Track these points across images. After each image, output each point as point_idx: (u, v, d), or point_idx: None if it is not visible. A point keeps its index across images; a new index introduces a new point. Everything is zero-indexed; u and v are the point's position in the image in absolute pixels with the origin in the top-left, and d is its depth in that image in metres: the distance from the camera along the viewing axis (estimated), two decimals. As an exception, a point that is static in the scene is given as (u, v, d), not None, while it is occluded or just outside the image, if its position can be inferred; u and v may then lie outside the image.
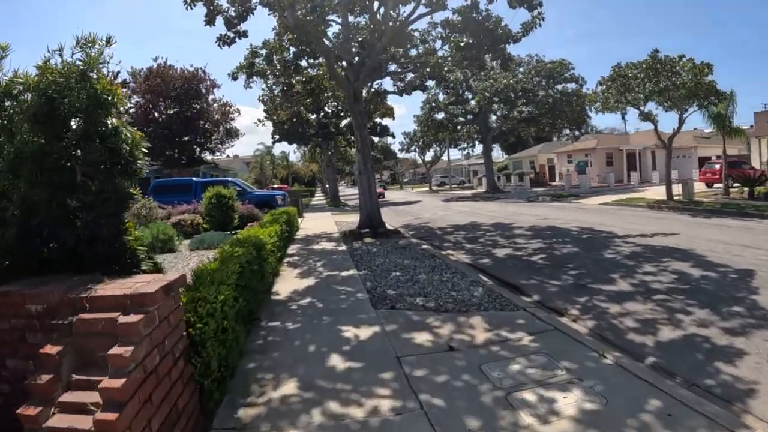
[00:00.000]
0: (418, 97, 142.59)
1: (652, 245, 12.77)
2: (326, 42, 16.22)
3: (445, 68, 21.63)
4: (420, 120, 50.53)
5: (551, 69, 43.00)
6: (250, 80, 17.62)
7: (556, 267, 10.79)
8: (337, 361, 5.37)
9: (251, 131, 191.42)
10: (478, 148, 58.89)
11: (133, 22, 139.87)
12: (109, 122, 4.18)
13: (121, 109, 4.32)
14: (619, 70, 25.16)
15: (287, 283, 9.49)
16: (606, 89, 26.38)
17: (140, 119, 35.87)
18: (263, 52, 16.47)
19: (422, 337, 6.05)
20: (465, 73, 36.23)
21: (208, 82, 37.85)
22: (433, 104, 48.04)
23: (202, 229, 19.15)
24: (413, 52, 20.43)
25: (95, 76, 4.11)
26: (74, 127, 4.10)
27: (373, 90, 20.68)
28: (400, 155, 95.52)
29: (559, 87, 43.24)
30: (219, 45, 15.55)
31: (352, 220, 24.41)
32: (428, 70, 20.99)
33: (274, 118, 30.68)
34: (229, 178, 26.93)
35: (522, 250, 13.25)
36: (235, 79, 17.41)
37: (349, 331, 6.38)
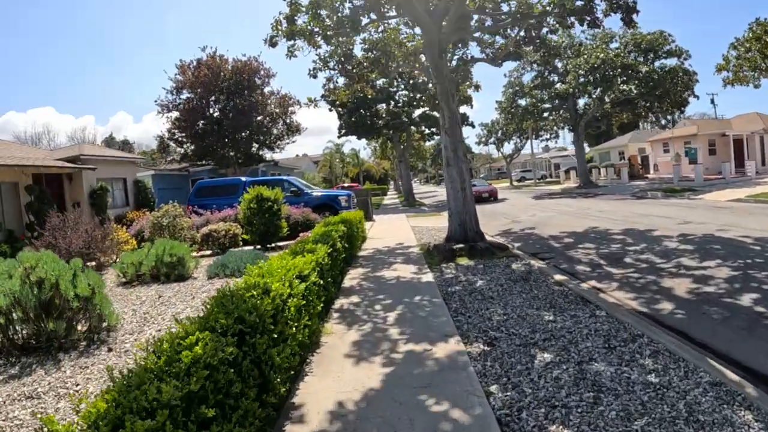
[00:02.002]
0: (492, 91, 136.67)
1: None
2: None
3: (545, 28, 16.60)
4: (502, 107, 45.02)
5: (651, 41, 36.76)
6: (293, 45, 13.08)
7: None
8: None
9: (323, 131, 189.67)
10: (560, 140, 53.09)
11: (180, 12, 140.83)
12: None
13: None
14: (765, 26, 19.13)
15: (325, 379, 4.82)
16: (744, 51, 20.31)
17: (189, 115, 32.35)
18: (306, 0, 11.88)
19: None
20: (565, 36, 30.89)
21: (263, 72, 33.95)
22: (517, 88, 42.55)
23: (241, 241, 14.91)
24: (505, 7, 15.46)
25: None
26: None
27: (456, 56, 15.71)
28: (476, 149, 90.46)
29: (657, 63, 37.06)
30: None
31: (433, 224, 19.66)
32: (522, 33, 16.01)
33: (336, 102, 26.53)
34: (285, 177, 22.73)
35: (710, 283, 8.14)
36: (273, 45, 12.96)
37: None
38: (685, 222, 15.91)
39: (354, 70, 15.15)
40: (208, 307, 3.98)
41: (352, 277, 9.59)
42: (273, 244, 14.78)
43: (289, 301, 4.56)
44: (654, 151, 54.28)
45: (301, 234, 14.79)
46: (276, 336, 4.01)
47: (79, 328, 6.75)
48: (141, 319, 7.48)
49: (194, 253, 14.99)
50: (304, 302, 5.03)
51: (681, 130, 48.19)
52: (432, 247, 11.73)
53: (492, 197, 33.95)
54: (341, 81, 15.86)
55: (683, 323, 6.32)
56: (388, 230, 18.61)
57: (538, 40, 17.38)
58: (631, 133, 64.59)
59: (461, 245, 10.99)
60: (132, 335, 6.77)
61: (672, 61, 37.09)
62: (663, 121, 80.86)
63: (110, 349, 6.27)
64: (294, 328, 4.54)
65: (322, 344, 5.75)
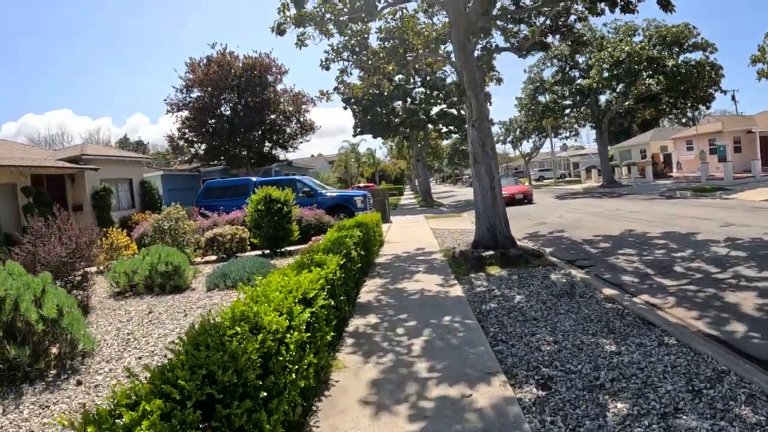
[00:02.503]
0: (510, 89, 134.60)
1: None
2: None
3: (573, 15, 15.42)
4: (522, 103, 43.58)
5: (676, 33, 35.14)
6: (303, 33, 11.96)
7: None
8: None
9: (339, 131, 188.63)
10: (581, 138, 51.62)
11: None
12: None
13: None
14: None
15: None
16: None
17: (199, 114, 31.42)
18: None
19: None
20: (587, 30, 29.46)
21: (275, 69, 32.90)
22: (537, 84, 41.21)
23: (249, 245, 13.88)
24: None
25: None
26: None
27: (480, 45, 14.48)
28: (501, 147, 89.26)
29: (682, 57, 35.50)
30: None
31: (455, 226, 18.54)
32: (548, 22, 14.84)
33: (351, 99, 25.42)
34: (298, 176, 21.65)
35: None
36: (281, 32, 11.84)
37: None
38: (727, 224, 14.67)
39: (369, 62, 14.01)
40: (177, 349, 2.88)
41: (369, 290, 8.46)
42: (283, 249, 13.71)
43: (288, 336, 3.45)
44: (677, 149, 52.75)
45: (312, 238, 13.70)
46: (266, 394, 2.89)
47: (54, 351, 5.74)
48: (123, 342, 6.42)
49: (198, 259, 14.00)
50: (309, 334, 3.91)
51: (705, 127, 46.95)
52: (458, 254, 10.52)
53: (526, 199, 29.71)
54: (356, 74, 14.73)
55: (764, 350, 5.15)
56: (407, 233, 17.47)
57: (564, 29, 16.19)
58: (653, 130, 63.27)
59: (491, 252, 9.79)
60: (109, 363, 5.73)
61: (696, 55, 35.57)
62: (684, 119, 78.78)
63: (79, 383, 5.23)
64: (294, 374, 3.42)
65: (332, 384, 4.62)
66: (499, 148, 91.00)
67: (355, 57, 14.02)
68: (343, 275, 6.15)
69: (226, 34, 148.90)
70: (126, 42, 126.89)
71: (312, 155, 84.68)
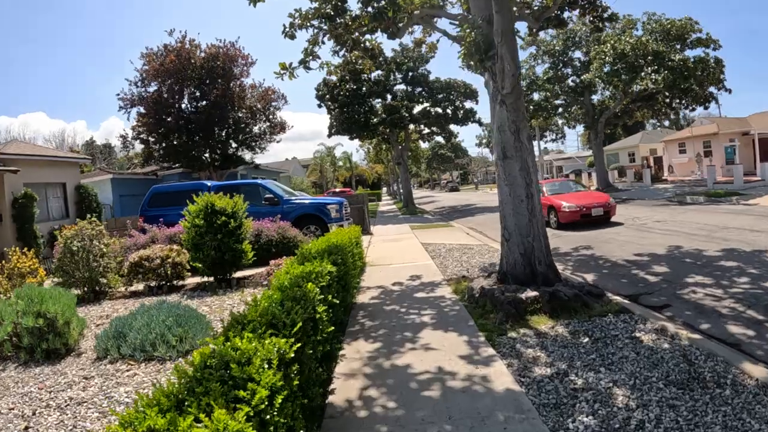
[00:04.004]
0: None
1: None
2: None
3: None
4: (511, 102, 40.53)
5: (680, 27, 32.57)
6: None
7: None
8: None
9: (317, 135, 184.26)
10: (566, 141, 49.00)
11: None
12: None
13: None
14: None
15: None
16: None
17: (153, 109, 27.70)
18: None
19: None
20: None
21: (241, 60, 29.26)
22: (530, 81, 38.25)
23: (188, 271, 10.50)
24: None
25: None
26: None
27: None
28: (478, 150, 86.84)
29: (685, 53, 33.02)
30: None
31: (449, 239, 15.37)
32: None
33: (325, 95, 22.03)
34: (259, 181, 18.14)
35: None
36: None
37: None
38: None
39: (349, 30, 10.64)
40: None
41: (348, 372, 5.03)
42: (232, 276, 10.28)
43: None
44: (668, 151, 50.57)
45: (272, 262, 10.28)
46: None
47: None
48: None
49: (122, 289, 10.52)
50: None
51: (700, 129, 45.16)
52: (477, 291, 7.12)
53: (607, 215, 17.17)
54: (329, 48, 11.26)
55: None
56: (394, 250, 14.10)
57: (585, 2, 13.17)
58: (641, 133, 61.77)
59: (533, 293, 6.42)
60: None
61: (697, 52, 33.08)
62: (667, 122, 77.15)
63: None
64: None
65: None
66: (476, 151, 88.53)
67: (329, 24, 10.64)
68: (297, 381, 2.81)
69: (200, 27, 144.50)
70: (101, 44, 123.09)
71: (286, 159, 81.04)
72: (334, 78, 35.16)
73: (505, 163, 6.97)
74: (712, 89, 33.77)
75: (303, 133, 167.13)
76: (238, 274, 10.55)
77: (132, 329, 6.03)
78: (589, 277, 9.33)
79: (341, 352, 5.50)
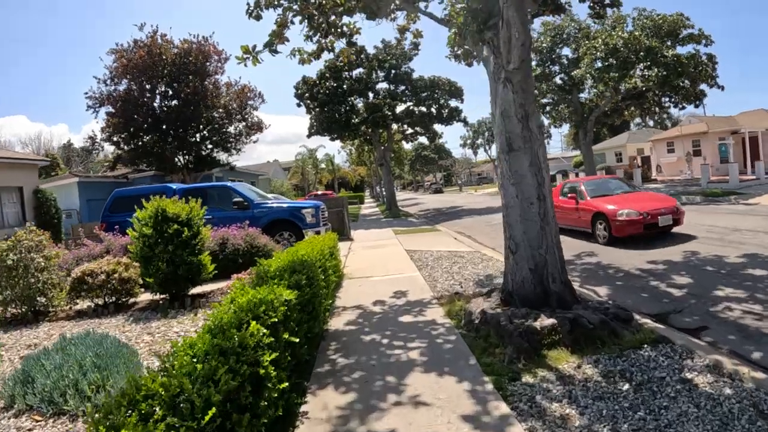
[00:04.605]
0: (474, 93, 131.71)
1: None
2: None
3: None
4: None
5: (672, 23, 31.67)
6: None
7: None
8: None
9: (299, 138, 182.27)
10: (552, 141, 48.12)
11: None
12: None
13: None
14: None
15: None
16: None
17: (121, 109, 26.10)
18: None
19: None
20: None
21: (216, 57, 27.73)
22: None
23: (140, 287, 9.14)
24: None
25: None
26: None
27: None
28: (461, 151, 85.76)
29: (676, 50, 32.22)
30: None
31: (436, 246, 14.12)
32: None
33: (305, 93, 20.66)
34: (228, 183, 16.78)
35: None
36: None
37: None
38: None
39: (323, 10, 9.32)
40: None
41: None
42: (187, 294, 8.89)
43: None
44: (656, 151, 49.93)
45: (234, 275, 8.92)
46: None
47: None
48: None
49: (65, 306, 9.13)
50: None
51: (689, 127, 44.64)
52: (477, 317, 5.79)
53: (675, 223, 12.83)
54: (302, 31, 9.91)
55: None
56: (376, 258, 12.78)
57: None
58: (627, 132, 61.55)
59: (549, 320, 5.11)
60: None
61: (688, 48, 32.22)
62: (651, 122, 76.75)
63: None
64: None
65: None
66: (460, 152, 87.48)
67: (301, 2, 9.31)
68: None
69: (178, 21, 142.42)
70: (81, 47, 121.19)
71: (268, 161, 79.40)
72: (314, 76, 33.99)
73: (510, 156, 5.63)
74: (703, 86, 33.05)
75: (286, 136, 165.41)
76: (197, 289, 9.15)
77: (42, 372, 4.66)
78: (602, 291, 8.10)
79: (303, 407, 4.16)
